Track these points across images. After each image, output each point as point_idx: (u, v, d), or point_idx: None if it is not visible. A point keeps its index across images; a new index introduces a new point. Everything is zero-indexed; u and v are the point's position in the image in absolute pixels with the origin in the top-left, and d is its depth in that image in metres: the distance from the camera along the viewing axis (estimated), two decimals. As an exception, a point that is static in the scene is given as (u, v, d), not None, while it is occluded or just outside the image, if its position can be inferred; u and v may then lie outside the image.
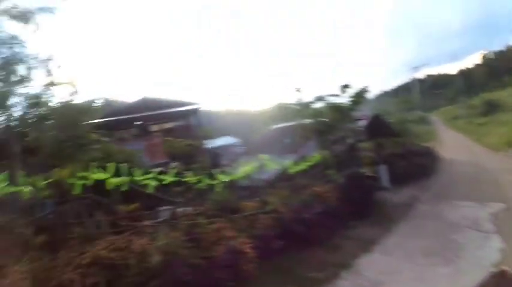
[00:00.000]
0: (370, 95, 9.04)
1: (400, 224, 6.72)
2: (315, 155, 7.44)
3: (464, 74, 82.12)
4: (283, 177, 6.93)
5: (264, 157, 5.68)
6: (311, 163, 7.18)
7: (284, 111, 9.25)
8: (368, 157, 12.37)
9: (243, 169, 5.71)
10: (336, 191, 6.85)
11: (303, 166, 6.86)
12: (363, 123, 9.26)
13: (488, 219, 6.60)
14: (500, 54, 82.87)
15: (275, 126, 10.70)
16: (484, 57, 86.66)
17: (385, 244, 5.63)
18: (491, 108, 35.35)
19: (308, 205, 6.06)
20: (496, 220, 6.50)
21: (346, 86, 8.17)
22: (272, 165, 6.06)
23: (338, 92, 8.21)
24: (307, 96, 8.37)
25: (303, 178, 7.01)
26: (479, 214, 6.96)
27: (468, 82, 78.75)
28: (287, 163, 6.72)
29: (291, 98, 8.47)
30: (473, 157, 16.41)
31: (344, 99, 8.33)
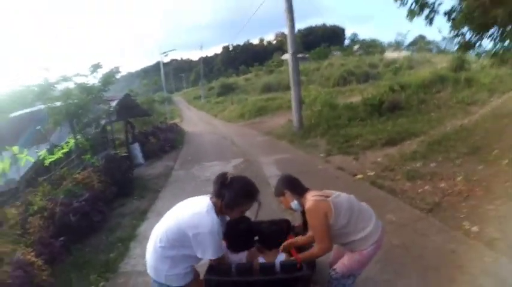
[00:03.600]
0: (120, 76, 9.19)
1: (162, 191, 7.82)
2: (69, 141, 7.23)
3: (206, 61, 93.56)
4: (40, 170, 6.47)
5: (15, 149, 5.05)
6: (66, 150, 6.94)
7: (26, 95, 8.13)
8: (118, 137, 13.12)
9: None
10: (97, 175, 6.96)
11: (58, 155, 6.56)
12: (113, 104, 9.59)
13: (232, 170, 8.73)
14: (238, 48, 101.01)
15: (15, 113, 9.34)
16: (224, 48, 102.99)
17: (156, 210, 6.48)
18: (227, 89, 43.87)
19: (73, 195, 6.00)
20: (238, 170, 8.81)
21: (96, 66, 8.05)
22: (27, 158, 5.48)
23: (87, 72, 8.03)
24: (54, 78, 7.66)
25: (60, 168, 6.80)
26: (224, 169, 9.01)
27: (209, 68, 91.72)
28: (42, 153, 6.25)
29: (34, 80, 7.53)
30: (213, 128, 20.11)
31: (95, 80, 8.25)
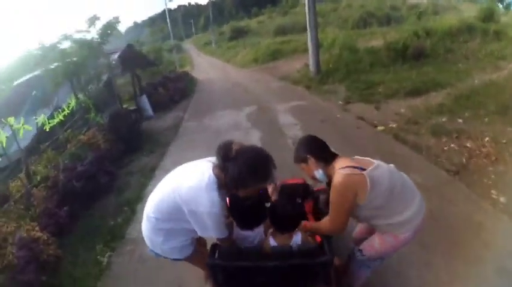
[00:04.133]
0: (124, 27, 8.67)
1: (172, 145, 7.60)
2: (70, 102, 6.90)
3: (216, 4, 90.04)
4: (42, 137, 6.27)
5: (12, 121, 4.77)
6: (68, 112, 6.63)
7: (28, 60, 7.80)
8: (127, 91, 12.79)
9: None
10: (102, 134, 6.83)
11: (59, 118, 6.29)
12: (116, 56, 9.18)
13: (245, 119, 8.57)
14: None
15: (18, 80, 9.05)
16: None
17: (164, 166, 6.30)
18: (239, 34, 41.98)
19: (78, 158, 5.89)
20: (251, 119, 8.55)
21: (94, 19, 7.63)
22: (25, 128, 5.18)
23: (86, 26, 7.62)
24: (53, 38, 7.42)
25: (63, 131, 6.62)
26: (237, 118, 8.87)
27: (219, 12, 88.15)
28: (40, 119, 5.95)
29: (34, 44, 7.34)
30: (225, 75, 19.37)
31: (94, 34, 7.84)
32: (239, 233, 2.19)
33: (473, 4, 25.25)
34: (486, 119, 6.17)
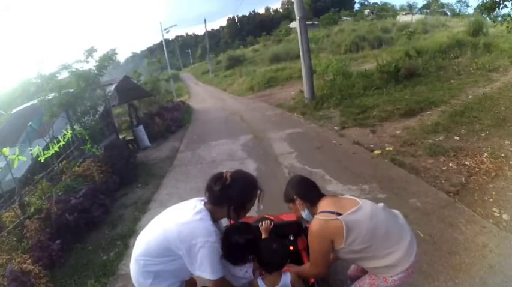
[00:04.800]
0: (123, 57, 8.79)
1: (166, 177, 7.50)
2: (66, 133, 6.91)
3: (212, 34, 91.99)
4: (37, 168, 6.22)
5: (6, 151, 4.80)
6: (63, 143, 6.64)
7: (26, 90, 7.87)
8: (124, 121, 12.82)
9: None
10: (97, 166, 6.77)
11: (54, 149, 6.29)
12: (113, 87, 9.28)
13: (240, 149, 8.51)
14: (243, 18, 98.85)
15: (15, 110, 9.11)
16: (229, 20, 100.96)
17: (158, 198, 6.24)
18: (235, 62, 42.86)
19: (73, 190, 5.82)
20: (246, 148, 8.48)
21: (91, 50, 7.70)
22: (20, 158, 5.21)
23: (84, 57, 7.68)
24: (51, 68, 7.43)
25: (58, 162, 6.57)
26: (232, 147, 8.81)
27: (215, 42, 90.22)
28: (35, 150, 5.95)
29: (32, 73, 7.30)
30: (222, 103, 19.50)
31: (92, 64, 7.93)
32: (229, 272, 2.12)
33: (462, 19, 25.91)
34: (483, 134, 6.18)
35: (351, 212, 1.90)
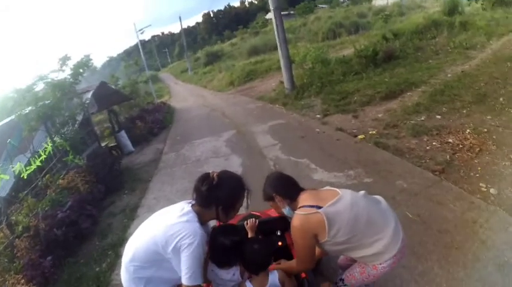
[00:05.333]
0: (99, 62, 8.58)
1: (152, 181, 7.37)
2: (46, 146, 6.76)
3: (189, 31, 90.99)
4: (20, 185, 6.12)
5: None
6: (44, 157, 6.50)
7: (3, 106, 7.63)
8: (106, 128, 12.52)
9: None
10: (81, 176, 6.67)
11: (36, 164, 6.19)
12: (90, 95, 9.06)
13: (224, 145, 8.43)
14: (219, 13, 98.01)
15: None
16: (205, 16, 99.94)
17: (146, 203, 6.15)
18: (213, 58, 42.55)
19: (59, 203, 5.73)
20: (230, 144, 8.40)
21: (65, 58, 7.54)
22: (2, 177, 5.21)
23: (58, 66, 7.54)
24: (28, 80, 7.30)
25: (41, 177, 6.44)
26: (216, 144, 8.72)
27: (192, 39, 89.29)
28: (17, 167, 5.85)
29: (8, 88, 7.20)
30: (203, 100, 19.27)
31: (67, 73, 7.78)
32: (217, 275, 2.09)
33: (437, -1, 26.27)
34: (464, 111, 6.23)
35: (330, 204, 1.87)
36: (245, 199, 2.07)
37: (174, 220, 1.87)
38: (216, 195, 1.93)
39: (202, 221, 1.95)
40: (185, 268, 1.80)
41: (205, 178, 1.96)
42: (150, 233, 1.91)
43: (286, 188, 2.09)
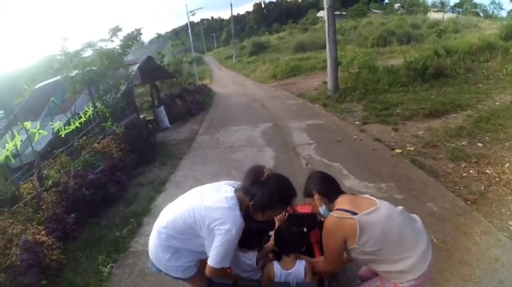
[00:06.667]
0: (147, 37, 8.73)
1: (184, 159, 7.55)
2: (87, 109, 6.97)
3: (238, 19, 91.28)
4: (57, 142, 6.28)
5: (28, 125, 4.83)
6: (84, 119, 6.69)
7: (50, 66, 7.93)
8: (145, 101, 12.92)
9: (7, 145, 4.64)
10: (116, 143, 6.85)
11: (75, 125, 6.36)
12: (136, 67, 9.31)
13: (259, 136, 8.52)
14: (270, 5, 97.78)
15: (38, 85, 9.22)
16: (255, 6, 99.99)
17: (175, 180, 6.29)
18: (259, 49, 42.51)
19: (91, 165, 5.92)
20: (265, 136, 8.49)
21: (116, 29, 7.72)
22: (41, 132, 5.24)
23: (108, 36, 7.72)
24: (76, 45, 7.51)
25: (78, 138, 6.68)
26: (252, 134, 8.83)
27: (240, 27, 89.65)
28: (56, 125, 6.00)
29: (56, 49, 7.25)
30: (243, 89, 19.47)
31: (116, 43, 7.96)
32: (236, 255, 2.17)
33: (494, 21, 24.90)
34: (507, 144, 5.97)
35: (366, 212, 1.86)
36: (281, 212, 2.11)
37: (217, 203, 1.90)
38: (254, 190, 1.94)
39: (243, 208, 1.96)
40: (216, 252, 1.87)
41: (257, 170, 2.01)
42: (190, 208, 1.95)
43: (328, 188, 2.11)
